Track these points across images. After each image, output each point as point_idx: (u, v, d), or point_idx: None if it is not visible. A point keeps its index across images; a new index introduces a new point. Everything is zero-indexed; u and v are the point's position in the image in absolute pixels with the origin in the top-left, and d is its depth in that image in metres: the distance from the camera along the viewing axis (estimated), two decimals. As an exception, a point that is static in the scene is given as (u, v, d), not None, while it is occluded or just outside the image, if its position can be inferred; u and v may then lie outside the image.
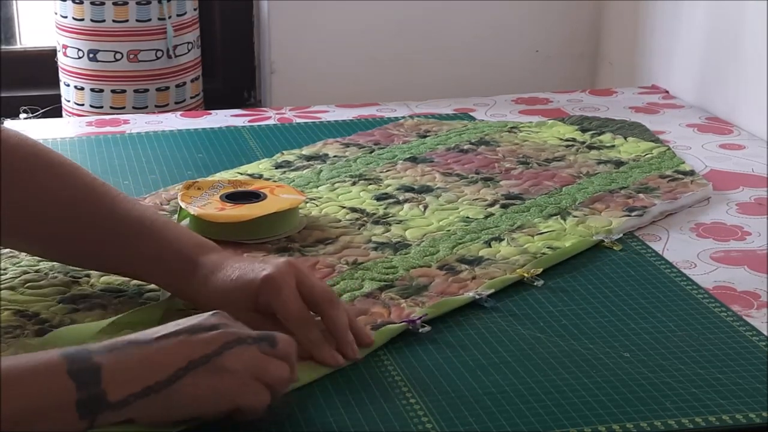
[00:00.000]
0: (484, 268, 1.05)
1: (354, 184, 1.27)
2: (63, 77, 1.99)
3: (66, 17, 1.93)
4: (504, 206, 1.21)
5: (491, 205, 1.21)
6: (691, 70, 1.73)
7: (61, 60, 1.98)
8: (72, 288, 0.99)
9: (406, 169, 1.32)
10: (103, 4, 1.89)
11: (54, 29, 1.97)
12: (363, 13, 2.07)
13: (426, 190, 1.25)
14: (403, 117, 1.57)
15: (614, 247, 1.11)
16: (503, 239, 1.11)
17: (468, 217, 1.17)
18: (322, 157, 1.37)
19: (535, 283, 1.03)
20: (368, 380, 0.85)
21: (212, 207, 1.12)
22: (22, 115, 2.09)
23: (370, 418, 0.80)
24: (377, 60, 2.10)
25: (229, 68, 2.22)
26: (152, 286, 0.98)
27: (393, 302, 0.97)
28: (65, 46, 1.95)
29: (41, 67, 2.13)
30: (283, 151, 1.39)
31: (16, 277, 1.01)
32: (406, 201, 1.22)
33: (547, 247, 1.09)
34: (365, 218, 1.17)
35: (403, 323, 0.92)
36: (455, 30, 2.11)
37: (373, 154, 1.38)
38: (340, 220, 1.16)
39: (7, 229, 0.95)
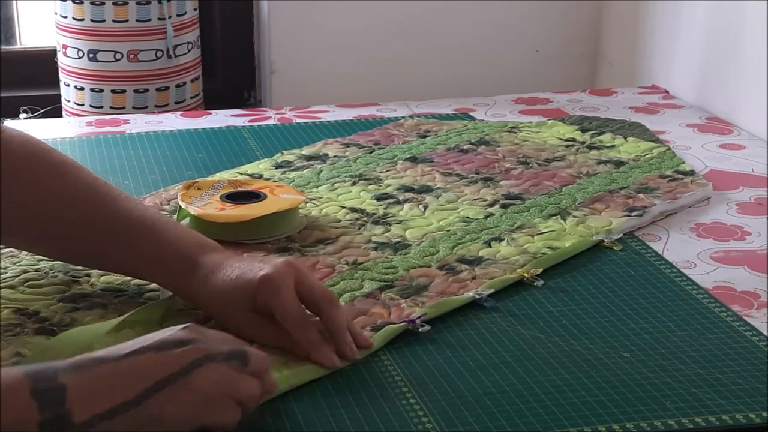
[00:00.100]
0: (484, 268, 1.05)
1: (354, 184, 1.27)
2: (63, 77, 1.99)
3: (66, 17, 1.93)
4: (504, 206, 1.21)
5: (491, 205, 1.21)
6: (691, 70, 1.73)
7: (61, 60, 1.98)
8: (72, 287, 0.99)
9: (406, 169, 1.32)
10: (103, 4, 1.89)
11: (54, 29, 1.97)
12: (363, 13, 2.07)
13: (426, 190, 1.25)
14: (403, 117, 1.57)
15: (614, 247, 1.11)
16: (503, 239, 1.11)
17: (468, 217, 1.17)
18: (322, 157, 1.37)
19: (535, 283, 1.03)
20: (368, 380, 0.85)
21: (212, 207, 1.12)
22: (22, 115, 2.09)
23: (370, 418, 0.80)
24: (377, 60, 2.10)
25: (229, 68, 2.22)
26: (152, 285, 0.99)
27: (393, 302, 0.97)
28: (65, 46, 1.95)
29: (41, 67, 2.13)
30: (283, 151, 1.39)
31: (16, 276, 1.01)
32: (406, 201, 1.22)
33: (547, 247, 1.09)
34: (365, 218, 1.17)
35: (403, 323, 0.92)
36: (455, 30, 2.11)
37: (373, 154, 1.38)
38: (340, 220, 1.16)
39: (8, 228, 0.95)
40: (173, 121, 1.56)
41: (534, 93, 1.75)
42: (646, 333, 0.93)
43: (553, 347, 0.91)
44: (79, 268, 1.02)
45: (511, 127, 1.50)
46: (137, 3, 1.89)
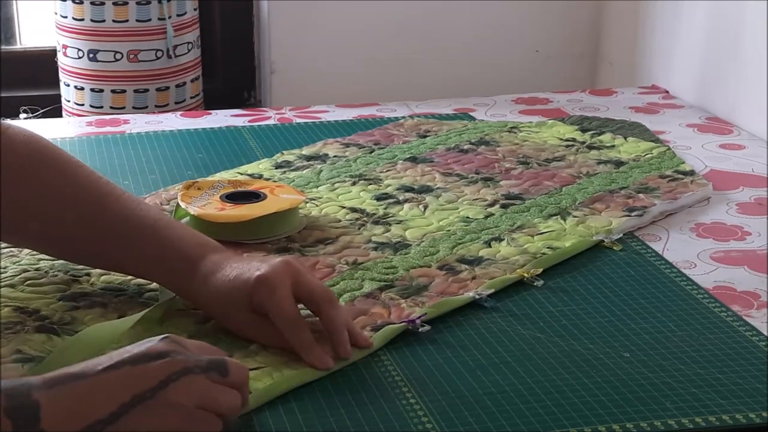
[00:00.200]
0: (484, 268, 1.05)
1: (354, 184, 1.27)
2: (63, 77, 1.99)
3: (66, 17, 1.93)
4: (504, 206, 1.21)
5: (491, 205, 1.21)
6: (691, 70, 1.73)
7: (61, 60, 1.98)
8: (72, 286, 0.99)
9: (406, 169, 1.32)
10: (103, 4, 1.89)
11: (54, 29, 1.97)
12: (363, 13, 2.07)
13: (426, 190, 1.25)
14: (403, 117, 1.57)
15: (614, 247, 1.11)
16: (503, 239, 1.11)
17: (468, 217, 1.17)
18: (322, 157, 1.37)
19: (535, 283, 1.03)
20: (368, 380, 0.85)
21: (212, 207, 1.12)
22: (22, 115, 2.09)
23: (370, 418, 0.80)
24: (377, 60, 2.10)
25: (229, 68, 2.22)
26: (152, 285, 0.99)
27: (393, 302, 0.97)
28: (65, 46, 1.95)
29: (41, 67, 2.13)
30: (283, 151, 1.39)
31: (16, 275, 1.01)
32: (406, 201, 1.22)
33: (547, 247, 1.09)
34: (365, 218, 1.17)
35: (403, 323, 0.92)
36: (455, 30, 2.11)
37: (373, 154, 1.38)
38: (340, 220, 1.16)
39: (10, 226, 0.95)
40: (173, 121, 1.56)
41: (534, 93, 1.75)
42: (646, 333, 0.93)
43: (553, 347, 0.91)
44: (80, 267, 1.02)
45: (511, 127, 1.50)
46: (137, 3, 1.89)
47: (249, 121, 1.56)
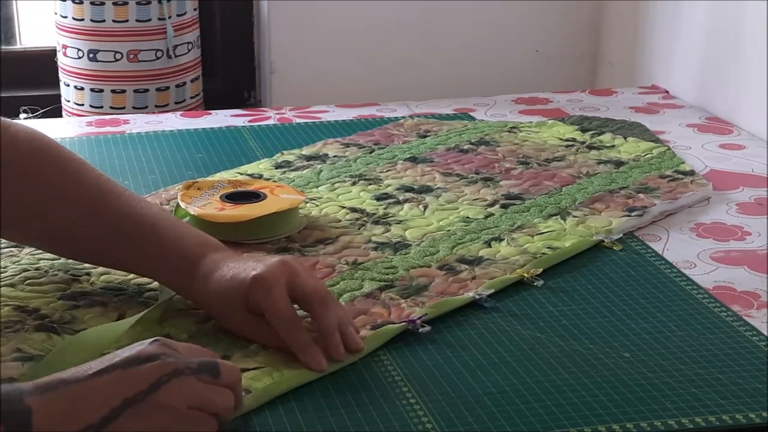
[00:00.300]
0: (484, 268, 1.05)
1: (354, 184, 1.27)
2: (63, 77, 1.99)
3: (66, 17, 1.93)
4: (504, 206, 1.21)
5: (491, 205, 1.21)
6: (691, 70, 1.73)
7: (61, 60, 1.98)
8: (72, 285, 0.99)
9: (406, 169, 1.32)
10: (103, 4, 1.89)
11: (54, 29, 1.97)
12: (363, 13, 2.07)
13: (426, 190, 1.25)
14: (403, 117, 1.57)
15: (614, 247, 1.11)
16: (503, 239, 1.11)
17: (468, 217, 1.17)
18: (322, 157, 1.37)
19: (535, 283, 1.03)
20: (368, 380, 0.85)
21: (212, 207, 1.12)
22: (22, 115, 2.09)
23: (370, 418, 0.80)
24: (377, 60, 2.10)
25: (229, 68, 2.22)
26: (152, 285, 0.99)
27: (393, 302, 0.97)
28: (65, 46, 1.95)
29: (41, 67, 2.13)
30: (283, 151, 1.39)
31: (16, 275, 1.01)
32: (406, 201, 1.22)
33: (547, 247, 1.09)
34: (365, 218, 1.17)
35: (403, 323, 0.92)
36: (455, 30, 2.11)
37: (373, 154, 1.38)
38: (340, 220, 1.16)
39: (12, 223, 0.95)
40: (173, 121, 1.56)
41: (534, 93, 1.75)
42: (646, 333, 0.93)
43: (553, 347, 0.91)
44: (79, 267, 1.02)
45: (511, 127, 1.50)
46: (137, 3, 1.89)
47: (249, 121, 1.56)
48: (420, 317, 0.93)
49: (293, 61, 2.08)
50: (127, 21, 1.90)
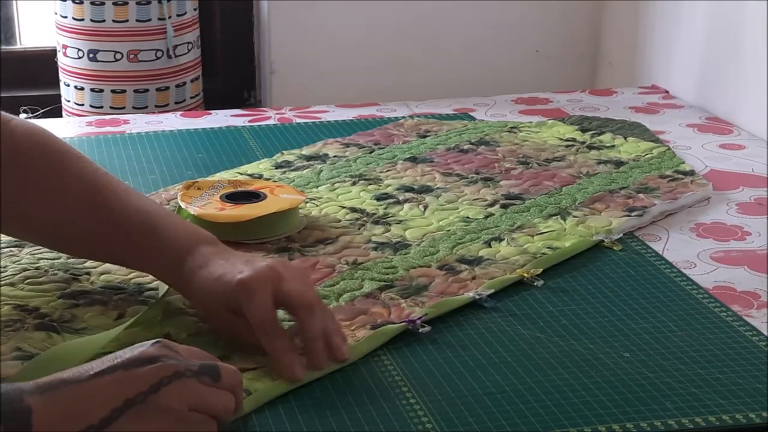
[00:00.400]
0: (484, 268, 1.05)
1: (354, 184, 1.27)
2: (63, 77, 1.99)
3: (66, 17, 1.93)
4: (504, 206, 1.21)
5: (491, 205, 1.21)
6: (691, 70, 1.73)
7: (61, 60, 1.98)
8: (72, 284, 0.99)
9: (406, 169, 1.32)
10: (103, 4, 1.89)
11: (54, 29, 1.97)
12: (363, 13, 2.07)
13: (426, 190, 1.25)
14: (403, 117, 1.57)
15: (614, 247, 1.11)
16: (503, 239, 1.11)
17: (468, 217, 1.17)
18: (322, 157, 1.37)
19: (535, 283, 1.03)
20: (368, 380, 0.85)
21: (212, 207, 1.12)
22: (22, 115, 2.09)
23: (370, 418, 0.80)
24: (377, 60, 2.10)
25: (229, 68, 2.22)
26: (152, 284, 0.99)
27: (393, 302, 0.97)
28: (65, 46, 1.95)
29: (41, 67, 2.13)
30: (283, 151, 1.39)
31: (16, 274, 1.01)
32: (406, 201, 1.22)
33: (547, 247, 1.09)
34: (365, 218, 1.17)
35: (403, 323, 0.92)
36: (455, 30, 2.11)
37: (373, 154, 1.38)
38: (340, 220, 1.16)
39: (8, 215, 0.95)
40: (173, 121, 1.56)
41: (534, 93, 1.75)
42: (646, 333, 0.93)
43: (553, 347, 0.91)
44: (79, 266, 1.02)
45: (511, 127, 1.50)
46: (137, 3, 1.89)
47: (249, 121, 1.56)
48: (420, 317, 0.93)
49: (293, 61, 2.08)
50: (127, 21, 1.90)
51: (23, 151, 0.95)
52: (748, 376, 0.86)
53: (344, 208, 1.20)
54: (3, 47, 2.21)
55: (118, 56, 1.92)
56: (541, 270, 1.04)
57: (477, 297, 0.98)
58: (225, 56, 2.22)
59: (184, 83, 1.98)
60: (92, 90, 1.94)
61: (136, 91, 1.94)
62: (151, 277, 0.99)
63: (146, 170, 1.33)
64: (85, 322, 0.93)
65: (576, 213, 1.19)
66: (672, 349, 0.90)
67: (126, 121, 1.56)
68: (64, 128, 1.57)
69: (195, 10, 2.00)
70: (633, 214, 1.18)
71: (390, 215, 1.18)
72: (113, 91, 1.93)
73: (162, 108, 1.94)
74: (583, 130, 1.49)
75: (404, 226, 1.15)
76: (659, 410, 0.81)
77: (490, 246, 1.10)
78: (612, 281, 1.04)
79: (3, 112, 0.96)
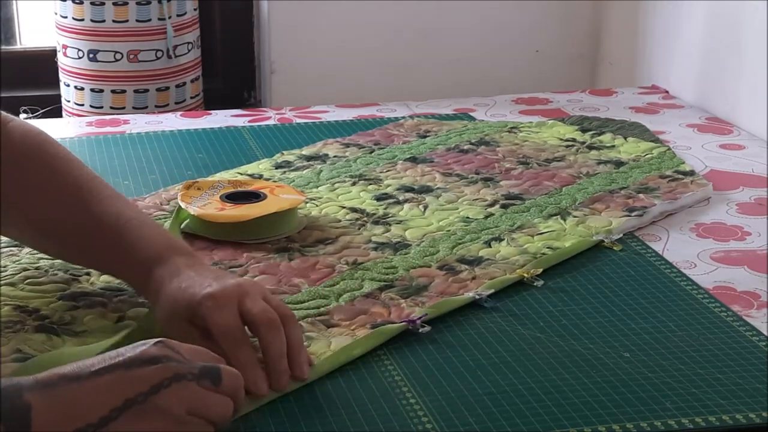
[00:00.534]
0: (484, 268, 1.05)
1: (354, 184, 1.27)
2: (63, 77, 1.99)
3: (66, 17, 1.93)
4: (504, 206, 1.21)
5: (491, 205, 1.21)
6: (691, 70, 1.73)
7: (61, 60, 1.98)
8: (72, 285, 0.99)
9: (406, 169, 1.32)
10: (103, 4, 1.89)
11: (54, 29, 1.97)
12: (363, 13, 2.07)
13: (426, 190, 1.25)
14: (403, 117, 1.57)
15: (614, 247, 1.11)
16: (503, 239, 1.11)
17: (468, 217, 1.17)
18: (322, 157, 1.37)
19: (535, 283, 1.03)
20: (368, 380, 0.85)
21: (212, 207, 1.12)
22: (22, 115, 2.09)
23: (370, 418, 0.80)
24: (377, 60, 2.10)
25: (229, 68, 2.22)
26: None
27: (393, 302, 0.97)
28: (65, 46, 1.95)
29: (41, 67, 2.13)
30: (283, 151, 1.39)
31: (16, 274, 1.01)
32: (406, 201, 1.22)
33: (547, 248, 1.09)
34: (365, 218, 1.17)
35: (403, 323, 0.92)
36: (455, 30, 2.11)
37: (373, 154, 1.38)
38: (340, 220, 1.16)
39: (4, 219, 0.95)
40: (173, 121, 1.56)
41: (534, 93, 1.75)
42: (646, 333, 0.93)
43: (553, 347, 0.91)
44: (79, 266, 1.02)
45: (511, 127, 1.50)
46: (137, 3, 1.89)
47: (249, 121, 1.56)
48: (420, 317, 0.93)
49: (293, 61, 2.08)
50: (127, 21, 1.90)
51: (16, 153, 0.95)
52: (748, 376, 0.86)
53: (344, 208, 1.20)
54: (3, 47, 2.21)
55: (118, 56, 1.92)
56: (541, 270, 1.04)
57: (477, 297, 0.98)
58: (225, 56, 2.22)
59: (184, 83, 1.98)
60: (92, 90, 1.94)
61: (136, 91, 1.94)
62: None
63: (146, 170, 1.33)
64: (85, 325, 0.92)
65: (576, 213, 1.19)
66: (672, 349, 0.90)
67: (126, 121, 1.56)
68: (64, 128, 1.57)
69: (195, 10, 2.00)
70: (633, 214, 1.18)
71: (390, 215, 1.18)
72: (113, 91, 1.93)
73: (162, 108, 1.95)
74: (583, 130, 1.49)
75: (404, 226, 1.15)
76: (659, 410, 0.81)
77: (490, 246, 1.10)
78: (612, 281, 1.04)
79: (3, 113, 0.96)
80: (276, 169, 1.33)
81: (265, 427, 0.79)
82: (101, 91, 1.94)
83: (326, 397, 0.83)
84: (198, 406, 0.73)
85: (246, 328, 0.85)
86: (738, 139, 1.50)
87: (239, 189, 1.17)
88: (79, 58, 1.93)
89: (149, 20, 1.91)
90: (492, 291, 1.00)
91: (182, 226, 1.13)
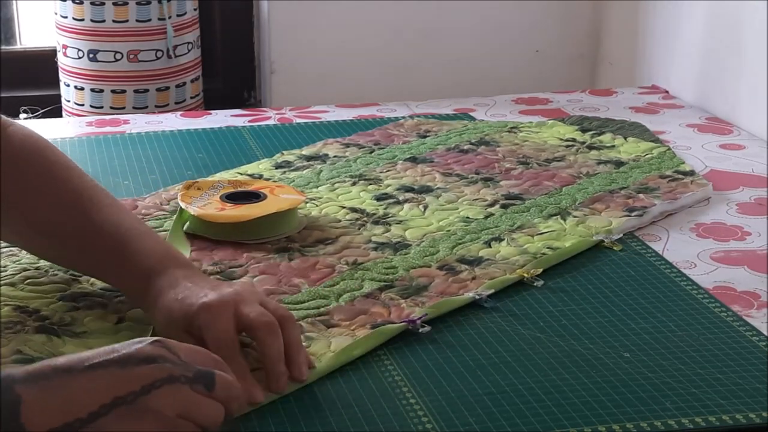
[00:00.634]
0: (484, 269, 1.05)
1: (354, 184, 1.27)
2: (63, 77, 1.99)
3: (66, 17, 1.93)
4: (504, 206, 1.21)
5: (491, 205, 1.21)
6: (691, 70, 1.73)
7: (61, 60, 1.98)
8: (72, 286, 0.99)
9: (406, 169, 1.32)
10: (103, 4, 1.89)
11: (54, 29, 1.97)
12: (363, 13, 2.08)
13: (426, 190, 1.25)
14: (403, 117, 1.57)
15: (614, 247, 1.11)
16: (503, 239, 1.11)
17: (468, 217, 1.17)
18: (322, 157, 1.37)
19: (535, 283, 1.03)
20: (368, 380, 0.85)
21: (212, 207, 1.12)
22: (22, 115, 2.09)
23: (370, 418, 0.80)
24: (377, 60, 2.10)
25: (229, 68, 2.22)
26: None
27: (393, 302, 0.97)
28: (65, 46, 1.95)
29: (41, 67, 2.13)
30: (283, 151, 1.39)
31: (16, 274, 1.01)
32: (406, 201, 1.22)
33: (547, 248, 1.09)
34: (365, 218, 1.17)
35: (403, 323, 0.92)
36: (455, 30, 2.11)
37: (373, 154, 1.38)
38: (340, 220, 1.16)
39: (4, 224, 0.95)
40: (173, 121, 1.56)
41: (534, 93, 1.75)
42: (646, 333, 0.93)
43: (553, 347, 0.91)
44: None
45: (511, 127, 1.50)
46: (137, 3, 1.89)
47: (249, 121, 1.56)
48: (420, 317, 0.93)
49: (293, 61, 2.08)
50: (127, 21, 1.90)
51: (15, 158, 0.95)
52: (748, 376, 0.86)
53: (344, 208, 1.20)
54: (3, 47, 2.21)
55: (118, 56, 1.92)
56: (541, 270, 1.04)
57: (477, 297, 0.98)
58: (225, 56, 2.22)
59: (184, 83, 1.98)
60: (92, 90, 1.94)
61: (136, 91, 1.94)
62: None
63: (146, 170, 1.33)
64: (85, 326, 0.92)
65: (576, 213, 1.19)
66: (672, 349, 0.90)
67: (126, 121, 1.56)
68: (64, 128, 1.57)
69: (195, 10, 2.00)
70: (633, 214, 1.18)
71: (390, 215, 1.18)
72: (113, 91, 1.94)
73: (162, 108, 1.95)
74: (583, 130, 1.49)
75: (404, 226, 1.15)
76: (659, 410, 0.81)
77: (490, 246, 1.10)
78: (612, 281, 1.04)
79: (3, 117, 0.96)
80: (276, 169, 1.33)
81: (265, 427, 0.79)
82: (101, 91, 1.94)
83: (326, 397, 0.83)
84: (189, 409, 0.72)
85: (245, 333, 0.85)
86: (738, 139, 1.50)
87: (239, 189, 1.17)
88: (79, 58, 1.93)
89: (149, 20, 1.91)
90: (492, 291, 1.00)
91: (184, 227, 1.13)
